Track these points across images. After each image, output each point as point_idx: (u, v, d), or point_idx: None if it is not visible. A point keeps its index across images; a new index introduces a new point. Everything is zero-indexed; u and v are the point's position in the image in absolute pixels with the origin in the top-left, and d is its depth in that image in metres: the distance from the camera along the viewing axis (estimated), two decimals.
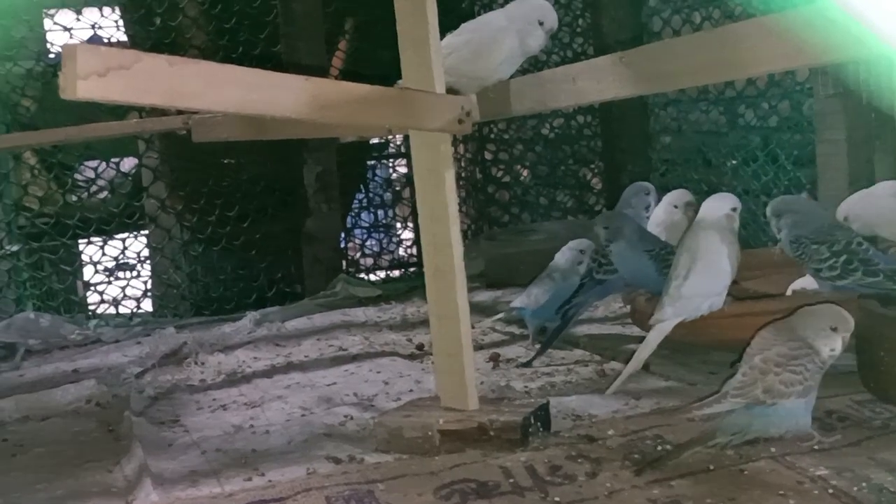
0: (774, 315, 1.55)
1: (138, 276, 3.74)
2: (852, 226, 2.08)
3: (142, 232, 3.81)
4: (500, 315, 2.43)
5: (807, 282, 1.98)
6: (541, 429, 1.61)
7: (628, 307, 2.33)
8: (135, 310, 3.67)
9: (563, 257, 2.28)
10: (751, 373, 1.42)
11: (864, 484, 1.28)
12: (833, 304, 1.47)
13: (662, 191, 2.42)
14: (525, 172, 4.38)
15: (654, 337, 1.82)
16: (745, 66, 1.35)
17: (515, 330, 2.49)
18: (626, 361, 2.07)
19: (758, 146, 3.04)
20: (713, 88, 3.27)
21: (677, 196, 2.33)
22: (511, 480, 1.41)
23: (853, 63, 2.35)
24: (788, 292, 2.03)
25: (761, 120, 3.09)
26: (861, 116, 2.40)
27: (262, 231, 3.66)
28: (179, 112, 2.06)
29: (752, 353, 1.45)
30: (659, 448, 1.49)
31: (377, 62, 3.62)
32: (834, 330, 1.42)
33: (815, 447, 1.42)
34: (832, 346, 1.42)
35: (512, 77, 1.73)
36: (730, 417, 1.41)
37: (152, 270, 3.81)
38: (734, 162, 3.16)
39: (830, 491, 1.27)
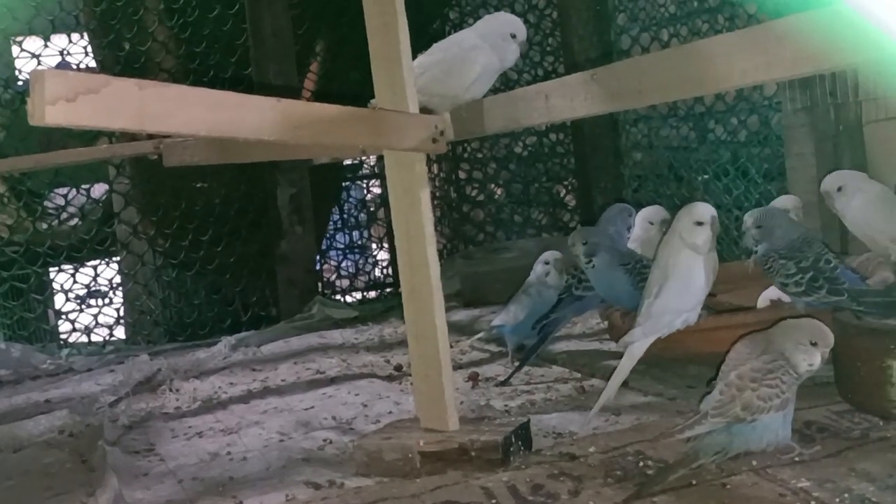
0: (749, 328, 1.56)
1: (110, 303, 3.70)
2: None
3: (113, 258, 3.77)
4: (481, 334, 2.42)
5: (775, 292, 2.00)
6: (522, 448, 1.60)
7: (605, 323, 2.34)
8: (107, 337, 3.62)
9: (533, 273, 2.29)
10: (727, 390, 1.42)
11: (845, 495, 1.28)
12: (813, 318, 1.48)
13: (636, 206, 2.43)
14: (499, 191, 4.40)
15: (627, 362, 1.78)
16: (714, 81, 1.35)
17: (493, 348, 2.49)
18: (606, 377, 2.07)
19: (728, 160, 3.07)
20: (682, 104, 3.30)
21: (652, 212, 2.34)
22: (493, 501, 1.40)
23: (819, 77, 2.38)
24: (759, 303, 2.04)
25: (731, 135, 3.12)
26: (828, 129, 2.43)
27: (236, 254, 3.63)
28: (150, 136, 2.05)
29: (728, 369, 1.45)
30: (640, 464, 1.49)
31: (349, 83, 3.64)
32: (814, 345, 1.42)
33: (796, 459, 1.42)
34: (811, 361, 1.43)
35: (484, 96, 1.73)
36: (710, 437, 1.40)
37: (125, 297, 3.77)
38: (705, 176, 3.19)
39: (812, 503, 1.28)
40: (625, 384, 1.99)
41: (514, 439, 1.58)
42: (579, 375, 2.15)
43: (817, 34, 1.14)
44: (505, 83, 3.60)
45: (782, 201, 2.21)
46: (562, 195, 4.24)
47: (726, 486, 1.37)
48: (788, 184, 2.58)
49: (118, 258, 3.78)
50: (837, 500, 1.27)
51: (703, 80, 1.34)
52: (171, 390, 2.39)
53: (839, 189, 2.01)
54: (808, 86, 2.46)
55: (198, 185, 3.70)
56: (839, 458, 1.42)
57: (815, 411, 1.61)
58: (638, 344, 1.77)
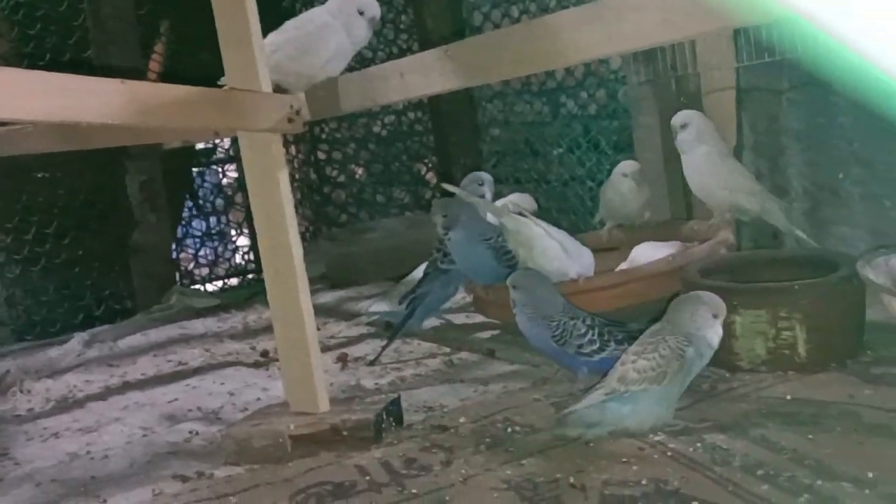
0: (606, 290, 1.62)
1: None
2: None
3: None
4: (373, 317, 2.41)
5: (638, 254, 2.11)
6: (393, 424, 1.62)
7: (471, 296, 2.37)
8: None
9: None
10: (617, 367, 1.44)
11: (698, 444, 1.37)
12: (707, 292, 1.50)
13: (496, 182, 2.47)
14: (360, 171, 4.37)
15: None
16: (561, 55, 1.39)
17: (363, 329, 2.49)
18: (474, 350, 2.12)
19: (580, 134, 3.17)
20: (535, 80, 3.38)
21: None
22: (367, 478, 1.41)
23: (661, 50, 2.49)
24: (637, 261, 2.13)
25: (582, 109, 3.22)
26: (671, 100, 2.55)
27: (85, 247, 3.46)
28: None
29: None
30: (509, 430, 1.53)
31: (200, 64, 3.52)
32: (715, 317, 1.47)
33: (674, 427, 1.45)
34: (718, 332, 1.46)
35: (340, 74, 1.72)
36: (585, 410, 1.43)
37: None
38: (560, 150, 3.29)
39: (669, 454, 1.35)
40: (492, 354, 2.04)
41: (385, 416, 1.60)
42: (448, 350, 2.18)
43: (655, 9, 1.19)
44: (360, 62, 3.57)
45: (622, 167, 2.34)
46: (423, 173, 4.27)
47: (589, 444, 1.43)
48: (636, 154, 2.69)
49: None
50: (691, 449, 1.35)
51: (552, 54, 1.38)
52: (21, 392, 2.27)
53: (683, 126, 2.20)
54: (651, 59, 2.56)
55: (40, 176, 3.49)
56: (691, 410, 1.51)
57: None
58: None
